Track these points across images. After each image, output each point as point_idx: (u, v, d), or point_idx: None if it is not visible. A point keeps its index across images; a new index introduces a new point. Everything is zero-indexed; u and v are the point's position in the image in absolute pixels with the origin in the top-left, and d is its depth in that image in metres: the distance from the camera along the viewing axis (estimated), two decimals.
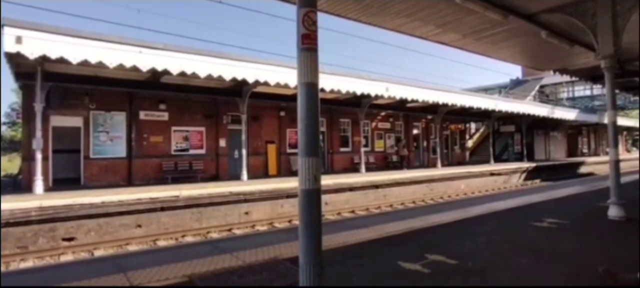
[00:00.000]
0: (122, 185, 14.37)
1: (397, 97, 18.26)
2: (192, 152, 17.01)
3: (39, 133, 11.70)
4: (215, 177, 16.98)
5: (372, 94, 17.12)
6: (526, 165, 25.67)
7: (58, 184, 13.56)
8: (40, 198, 9.90)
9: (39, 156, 11.61)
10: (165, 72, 12.52)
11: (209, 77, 13.13)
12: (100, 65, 11.14)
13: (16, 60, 11.35)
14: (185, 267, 4.08)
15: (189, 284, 3.63)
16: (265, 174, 18.45)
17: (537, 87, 42.80)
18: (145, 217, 10.82)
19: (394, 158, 24.13)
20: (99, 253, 8.84)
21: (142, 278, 3.74)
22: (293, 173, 18.34)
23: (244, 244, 5.03)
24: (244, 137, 16.22)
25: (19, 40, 9.72)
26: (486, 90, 41.03)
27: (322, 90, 14.43)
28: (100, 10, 64.87)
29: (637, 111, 39.51)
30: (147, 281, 3.66)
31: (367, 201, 15.41)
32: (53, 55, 10.24)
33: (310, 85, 2.67)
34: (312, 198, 2.66)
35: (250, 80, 13.92)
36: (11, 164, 26.76)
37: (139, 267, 4.06)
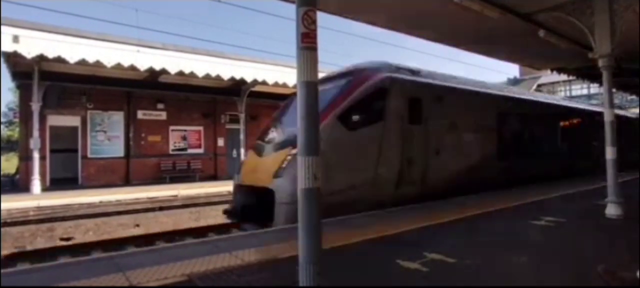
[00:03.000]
0: (120, 185, 14.35)
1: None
2: (190, 151, 17.00)
3: (36, 133, 11.68)
4: (213, 177, 16.97)
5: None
6: None
7: (55, 184, 13.53)
8: (37, 198, 9.88)
9: (36, 156, 11.59)
10: (163, 72, 12.51)
11: (207, 77, 13.14)
12: (98, 64, 11.13)
13: (13, 60, 11.32)
14: (184, 266, 4.07)
15: (188, 283, 3.62)
16: None
17: (534, 86, 42.92)
18: (143, 216, 10.80)
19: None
20: (97, 252, 8.81)
21: (141, 277, 3.73)
22: None
23: (243, 243, 5.03)
24: (242, 136, 16.24)
25: (16, 39, 9.71)
26: None
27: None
28: (99, 10, 64.73)
29: (633, 110, 39.65)
30: (146, 280, 3.65)
31: None
32: (50, 54, 10.22)
33: (310, 84, 2.67)
34: (311, 197, 2.66)
35: (249, 79, 13.92)
36: (8, 164, 26.66)
37: (137, 267, 4.05)
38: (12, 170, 21.09)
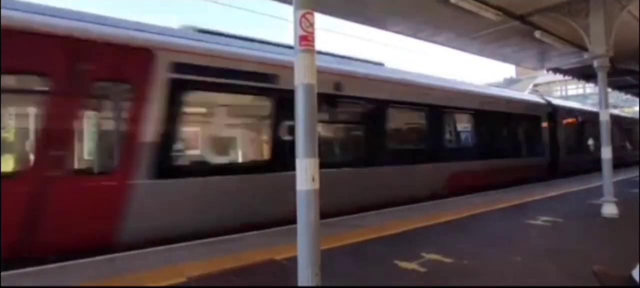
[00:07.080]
0: None
1: None
2: None
3: None
4: None
5: None
6: None
7: None
8: None
9: None
10: None
11: None
12: None
13: None
14: (182, 268, 4.08)
15: (186, 284, 3.63)
16: None
17: (531, 86, 43.10)
18: None
19: None
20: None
21: (141, 279, 3.74)
22: None
23: (241, 245, 5.04)
24: None
25: None
26: None
27: None
28: (100, 10, 64.34)
29: (629, 109, 39.84)
30: (145, 282, 3.66)
31: None
32: None
33: (309, 86, 2.69)
34: (309, 198, 2.68)
35: None
36: None
37: (137, 268, 4.06)
38: None
